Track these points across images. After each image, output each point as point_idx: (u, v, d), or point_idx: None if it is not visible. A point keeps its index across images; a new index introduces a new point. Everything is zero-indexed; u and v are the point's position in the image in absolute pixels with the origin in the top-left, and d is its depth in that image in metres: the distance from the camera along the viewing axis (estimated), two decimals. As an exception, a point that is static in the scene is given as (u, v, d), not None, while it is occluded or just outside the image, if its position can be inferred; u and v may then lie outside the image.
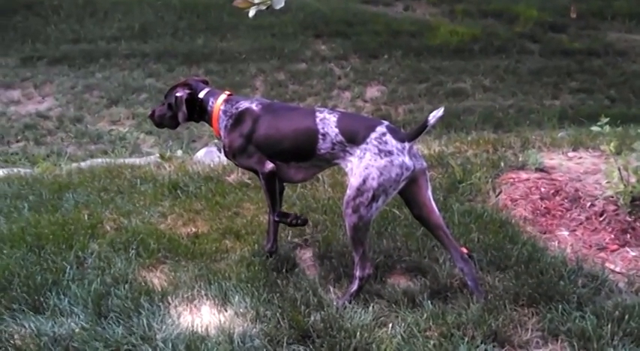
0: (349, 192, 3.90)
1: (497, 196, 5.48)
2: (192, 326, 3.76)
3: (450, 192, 5.53)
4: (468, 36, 14.97)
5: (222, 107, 4.27)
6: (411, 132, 3.96)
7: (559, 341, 3.65)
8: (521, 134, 7.34)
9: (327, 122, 3.99)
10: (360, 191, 3.85)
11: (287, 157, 4.15)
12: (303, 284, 4.14)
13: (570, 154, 6.38)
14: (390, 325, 3.72)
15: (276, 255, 4.50)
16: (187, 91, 4.33)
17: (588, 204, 5.15)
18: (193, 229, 5.01)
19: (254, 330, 3.71)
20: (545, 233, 4.93)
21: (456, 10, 16.99)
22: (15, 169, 6.99)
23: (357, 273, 3.98)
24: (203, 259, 4.52)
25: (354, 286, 3.99)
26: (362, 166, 3.86)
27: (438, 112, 3.83)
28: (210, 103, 4.32)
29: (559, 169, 5.85)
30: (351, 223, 3.91)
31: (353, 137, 3.93)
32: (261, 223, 4.85)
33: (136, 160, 7.13)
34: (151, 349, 3.53)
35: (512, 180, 5.69)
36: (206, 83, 4.53)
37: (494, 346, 3.57)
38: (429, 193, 4.08)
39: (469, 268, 4.03)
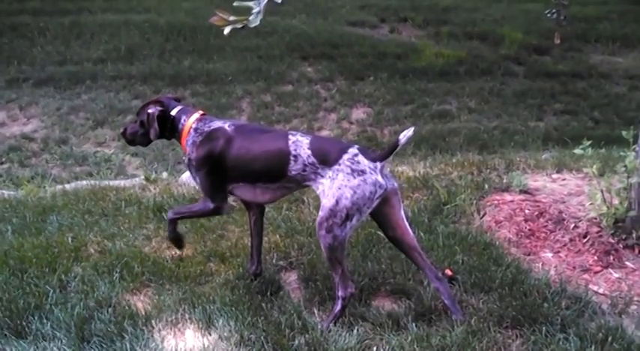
0: (322, 213, 3.92)
1: (481, 218, 5.51)
2: (176, 350, 3.73)
3: (435, 214, 5.54)
4: (454, 58, 15.08)
5: (193, 125, 4.28)
6: (382, 152, 4.01)
7: (543, 364, 3.66)
8: (505, 156, 7.39)
9: (300, 144, 4.03)
10: (332, 212, 3.88)
11: (255, 178, 4.17)
12: (287, 307, 4.13)
13: (554, 175, 6.42)
14: (375, 348, 3.72)
15: (261, 278, 4.49)
16: (159, 108, 4.35)
17: (572, 226, 5.18)
18: (178, 252, 4.98)
19: (238, 354, 3.70)
20: (529, 255, 4.96)
21: (442, 33, 17.12)
22: (-1, 192, 6.95)
23: (340, 293, 3.98)
24: (187, 282, 4.50)
25: (338, 306, 4.00)
26: (335, 187, 3.89)
27: (408, 132, 3.87)
28: (182, 120, 4.33)
29: (543, 191, 5.88)
30: (326, 243, 3.93)
31: (325, 159, 3.97)
32: (246, 246, 4.84)
33: (120, 182, 7.10)
34: (134, 374, 3.51)
35: (496, 202, 5.72)
36: (178, 101, 4.56)
37: (478, 369, 3.57)
38: (402, 213, 4.13)
39: (444, 287, 4.06)
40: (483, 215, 5.53)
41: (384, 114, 12.46)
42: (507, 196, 5.79)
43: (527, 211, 5.50)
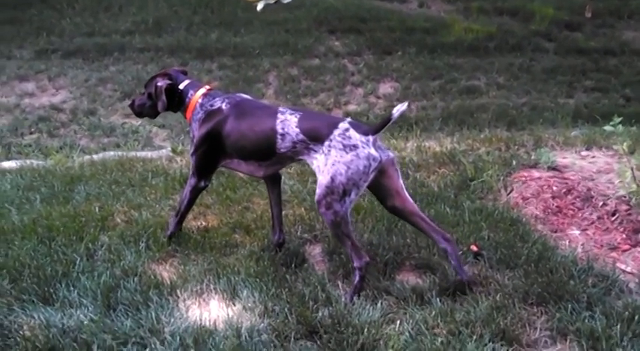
0: (319, 191, 3.93)
1: (508, 194, 5.46)
2: (201, 320, 3.76)
3: (461, 190, 5.51)
4: (483, 33, 14.86)
5: (199, 100, 4.39)
6: (374, 126, 3.98)
7: (568, 341, 3.63)
8: (534, 132, 7.31)
9: (288, 123, 4.06)
10: (329, 189, 3.89)
11: (247, 156, 4.26)
12: (311, 280, 4.14)
13: (583, 153, 6.34)
14: (398, 321, 3.71)
15: (286, 250, 4.50)
16: (167, 81, 4.44)
17: (600, 203, 5.12)
18: (203, 223, 5.01)
19: (262, 325, 3.71)
20: (556, 232, 4.91)
21: (472, 8, 16.88)
22: (28, 161, 7.02)
23: (355, 264, 3.99)
24: (212, 253, 4.52)
25: (357, 277, 4.00)
26: (329, 164, 3.89)
27: (402, 107, 3.86)
28: (189, 94, 4.44)
29: (571, 168, 5.81)
30: (329, 220, 3.96)
31: (315, 135, 3.98)
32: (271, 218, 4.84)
33: (147, 154, 7.15)
34: (159, 343, 3.53)
35: (524, 178, 5.66)
36: (185, 74, 4.64)
37: (502, 345, 3.54)
38: (401, 182, 4.12)
39: (452, 248, 4.06)
40: (510, 192, 5.48)
41: (412, 89, 12.34)
42: (535, 173, 5.73)
43: (554, 188, 5.44)
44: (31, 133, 10.18)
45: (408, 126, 10.24)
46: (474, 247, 4.47)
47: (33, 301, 3.93)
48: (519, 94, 12.46)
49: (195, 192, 4.50)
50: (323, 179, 3.91)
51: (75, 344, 3.53)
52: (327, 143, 3.93)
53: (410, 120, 11.06)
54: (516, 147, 6.55)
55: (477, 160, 6.08)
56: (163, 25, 14.54)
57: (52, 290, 4.02)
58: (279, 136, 4.06)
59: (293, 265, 4.34)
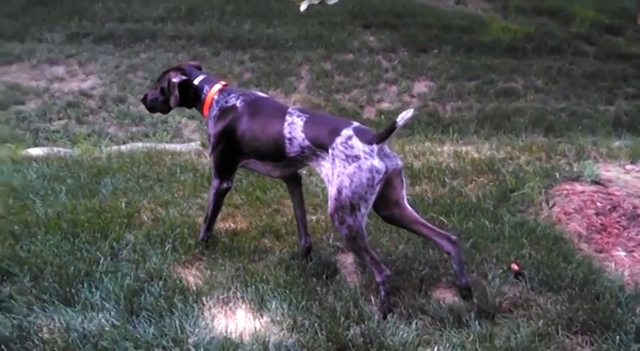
0: (330, 204, 3.77)
1: (550, 208, 5.23)
2: (226, 331, 3.60)
3: (501, 201, 5.28)
4: (521, 34, 14.50)
5: (215, 97, 4.25)
6: (379, 133, 3.74)
7: (615, 375, 3.42)
8: (573, 140, 7.06)
9: (294, 127, 3.90)
10: (338, 202, 3.72)
11: (262, 157, 4.12)
12: (343, 293, 3.96)
13: (628, 166, 6.08)
14: (436, 348, 3.51)
15: (317, 259, 4.32)
16: (181, 77, 4.30)
17: (648, 223, 4.88)
18: (232, 225, 4.85)
19: (290, 340, 3.54)
20: (600, 252, 4.67)
21: (510, 7, 16.51)
22: (55, 149, 6.89)
23: (377, 279, 3.82)
24: (241, 258, 4.36)
25: (382, 293, 3.83)
26: (335, 174, 3.72)
27: (407, 114, 3.62)
28: (205, 90, 4.31)
29: (616, 183, 5.56)
30: (344, 234, 3.80)
31: (319, 142, 3.82)
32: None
33: (176, 146, 6.99)
34: (182, 354, 3.38)
35: (566, 192, 5.43)
36: (200, 69, 4.50)
37: (545, 376, 3.34)
38: (403, 192, 3.93)
39: (457, 250, 3.89)
40: (552, 205, 5.24)
41: (447, 89, 12.05)
42: (578, 186, 5.49)
43: (598, 204, 5.21)
44: (59, 119, 10.07)
45: (443, 127, 10.04)
46: (514, 266, 4.26)
47: (54, 302, 3.79)
48: (558, 98, 12.11)
49: (219, 194, 4.33)
50: (331, 191, 3.75)
51: (95, 351, 3.39)
52: (330, 151, 3.76)
53: (444, 121, 10.83)
54: (558, 157, 6.30)
55: (518, 170, 5.85)
56: (196, 13, 14.38)
57: (73, 291, 3.90)
58: (287, 141, 3.93)
59: (324, 276, 4.16)
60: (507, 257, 4.37)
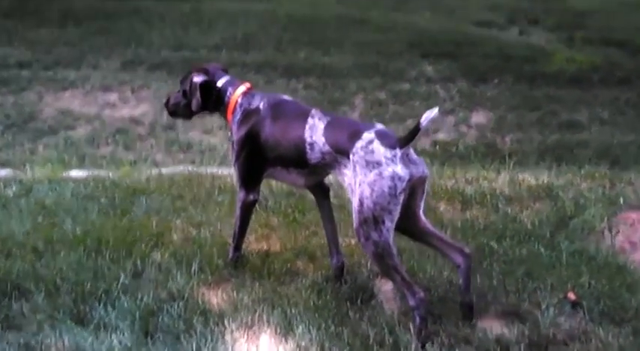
0: (355, 218, 3.44)
1: (613, 237, 4.79)
2: (246, 357, 3.28)
3: (559, 228, 4.87)
4: (587, 65, 13.98)
5: (239, 100, 3.97)
6: (403, 137, 3.43)
7: None
8: (641, 171, 6.58)
9: (315, 130, 3.62)
10: (361, 215, 3.39)
11: (286, 163, 3.81)
12: (378, 319, 3.63)
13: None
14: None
15: (352, 282, 3.98)
16: (204, 77, 4.03)
17: None
18: (265, 247, 4.56)
19: (316, 368, 3.20)
20: (669, 284, 4.20)
21: (575, 37, 16.01)
22: (95, 172, 6.75)
23: (410, 303, 3.45)
24: (270, 280, 4.06)
25: (417, 319, 3.45)
26: (357, 183, 3.40)
27: (431, 113, 3.35)
28: (229, 93, 4.02)
29: (686, 212, 5.09)
30: (370, 253, 3.46)
31: (339, 147, 3.52)
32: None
33: (218, 170, 6.77)
34: (195, 381, 3.08)
35: (631, 220, 5.03)
36: (226, 71, 4.22)
37: None
38: (422, 203, 3.59)
39: (466, 264, 3.59)
40: (616, 234, 4.81)
41: (507, 120, 11.59)
42: (645, 215, 5.04)
43: (667, 234, 4.75)
44: (107, 145, 10.02)
45: (501, 158, 9.58)
46: (571, 295, 3.86)
47: (66, 321, 3.55)
48: (624, 131, 11.51)
49: (246, 207, 4.05)
50: (354, 203, 3.43)
51: (101, 375, 3.11)
52: (351, 157, 3.45)
53: (502, 152, 10.36)
54: (622, 185, 5.85)
55: (578, 196, 5.42)
56: (252, 41, 14.34)
57: (88, 309, 3.66)
58: (307, 146, 3.64)
59: (359, 301, 3.83)
60: (564, 286, 3.96)
